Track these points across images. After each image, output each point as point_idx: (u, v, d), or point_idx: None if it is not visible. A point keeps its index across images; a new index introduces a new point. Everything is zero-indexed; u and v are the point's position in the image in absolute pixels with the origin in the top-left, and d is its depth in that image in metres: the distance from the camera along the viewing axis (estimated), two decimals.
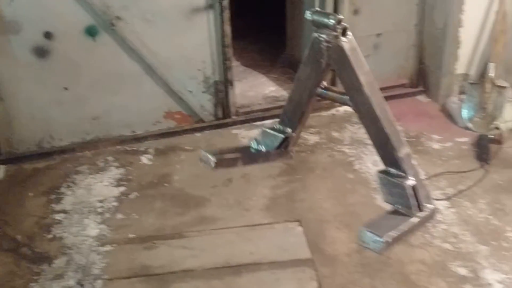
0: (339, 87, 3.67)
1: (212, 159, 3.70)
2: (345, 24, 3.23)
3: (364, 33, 4.90)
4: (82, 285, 3.11)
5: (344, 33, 3.24)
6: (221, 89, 4.68)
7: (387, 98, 4.99)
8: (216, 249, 3.33)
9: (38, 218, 3.71)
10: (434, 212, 3.40)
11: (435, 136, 4.45)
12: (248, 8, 6.79)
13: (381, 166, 4.07)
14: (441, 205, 3.59)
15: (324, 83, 3.64)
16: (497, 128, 4.45)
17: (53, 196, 3.93)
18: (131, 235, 3.50)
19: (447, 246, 3.24)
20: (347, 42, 3.25)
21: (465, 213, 3.51)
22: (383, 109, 3.33)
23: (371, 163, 4.08)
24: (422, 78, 5.17)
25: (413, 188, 3.24)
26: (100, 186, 4.02)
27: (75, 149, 4.47)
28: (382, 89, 5.01)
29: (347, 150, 4.30)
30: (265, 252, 3.27)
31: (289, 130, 3.85)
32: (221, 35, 4.50)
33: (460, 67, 4.86)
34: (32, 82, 4.24)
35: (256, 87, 5.43)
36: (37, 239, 3.50)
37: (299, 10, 5.16)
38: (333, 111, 4.91)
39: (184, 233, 3.50)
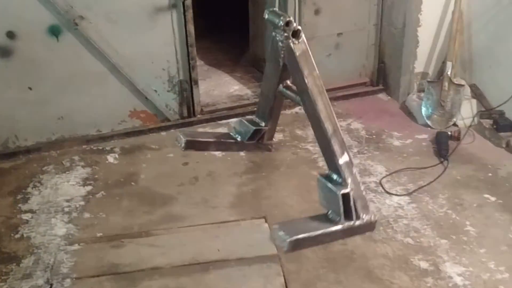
0: None
1: (183, 139, 3.68)
2: (295, 26, 3.22)
3: (326, 32, 5.00)
4: (51, 284, 3.10)
5: (295, 35, 3.24)
6: (186, 88, 4.70)
7: (349, 96, 5.18)
8: (184, 247, 3.35)
9: (5, 218, 3.69)
10: (370, 223, 3.22)
11: (396, 133, 4.56)
12: (210, 8, 6.80)
13: None
14: (402, 200, 3.69)
15: (287, 82, 3.68)
16: (455, 125, 4.59)
17: (19, 196, 3.90)
18: (98, 234, 3.50)
19: (409, 240, 3.32)
20: (298, 44, 3.25)
21: (426, 208, 3.61)
22: (328, 114, 3.27)
23: None
24: (383, 76, 5.27)
25: (346, 196, 3.11)
26: (67, 185, 4.01)
27: (41, 149, 4.45)
28: (343, 87, 5.22)
29: (311, 148, 4.36)
30: (232, 248, 3.31)
31: (262, 123, 3.91)
32: (185, 34, 4.52)
33: (419, 66, 4.96)
34: None
35: (221, 86, 5.47)
36: (5, 239, 3.48)
37: (262, 10, 5.19)
38: (296, 109, 4.97)
39: (151, 231, 3.52)
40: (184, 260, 3.24)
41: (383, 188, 3.83)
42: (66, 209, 3.75)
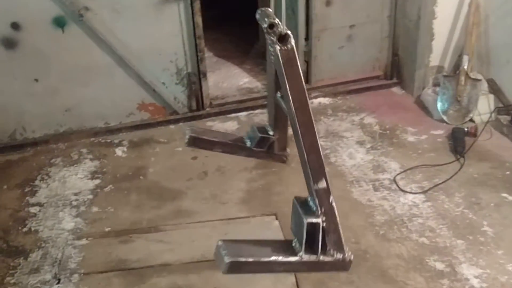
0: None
1: (187, 134, 3.53)
2: (282, 30, 2.75)
3: (338, 24, 4.91)
4: (58, 279, 3.07)
5: (283, 40, 2.75)
6: (194, 81, 4.64)
7: (362, 90, 5.09)
8: (192, 243, 3.30)
9: (13, 211, 3.67)
10: (341, 262, 2.61)
11: (410, 129, 4.47)
12: None
13: (356, 160, 4.11)
14: (417, 198, 3.61)
15: None
16: (471, 120, 4.49)
17: (27, 189, 3.89)
18: (107, 229, 3.47)
19: (424, 240, 3.25)
20: (284, 50, 2.76)
21: (441, 207, 3.53)
22: (308, 131, 2.73)
23: (347, 155, 4.09)
24: (397, 70, 5.17)
25: (313, 226, 2.59)
26: (75, 178, 3.98)
27: (49, 141, 4.43)
28: (356, 81, 5.14)
29: (322, 143, 4.28)
30: None
31: (270, 132, 3.45)
32: (192, 26, 4.46)
33: (434, 59, 4.87)
34: (2, 74, 4.19)
35: (230, 78, 5.40)
36: (13, 233, 3.46)
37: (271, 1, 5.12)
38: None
39: (160, 226, 3.47)
40: (193, 257, 3.20)
41: (397, 185, 3.75)
42: (74, 203, 3.72)
